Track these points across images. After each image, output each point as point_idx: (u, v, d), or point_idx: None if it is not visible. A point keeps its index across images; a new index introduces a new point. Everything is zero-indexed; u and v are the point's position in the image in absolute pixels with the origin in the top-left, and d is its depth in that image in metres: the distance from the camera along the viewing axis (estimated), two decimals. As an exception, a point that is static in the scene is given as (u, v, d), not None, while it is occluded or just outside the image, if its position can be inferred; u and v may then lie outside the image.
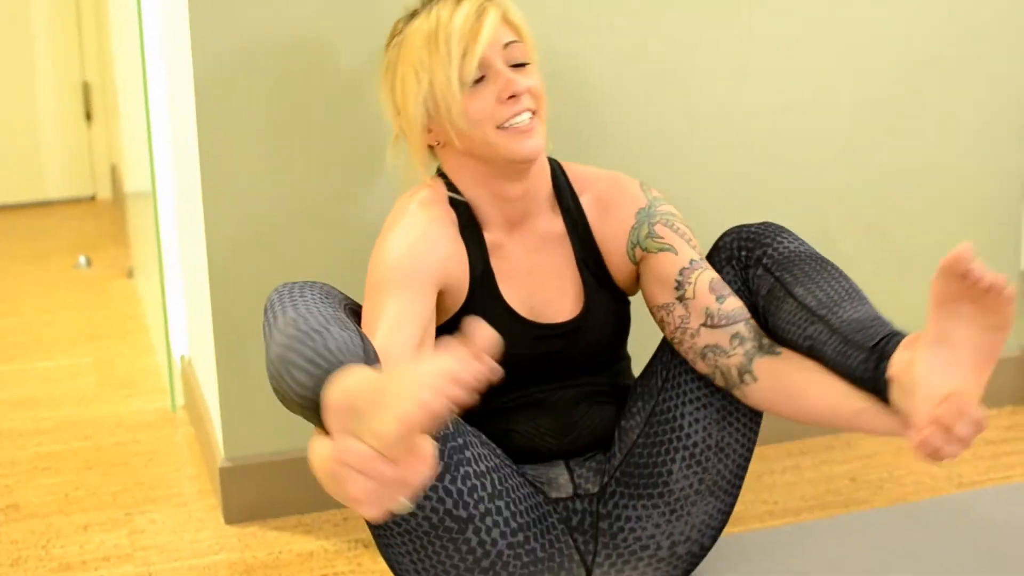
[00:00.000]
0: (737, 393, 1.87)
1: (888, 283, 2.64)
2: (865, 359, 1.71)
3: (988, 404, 2.75)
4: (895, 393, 1.68)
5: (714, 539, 1.94)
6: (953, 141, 2.62)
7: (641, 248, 1.93)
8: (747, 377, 1.84)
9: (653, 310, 1.94)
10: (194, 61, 2.15)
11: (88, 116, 5.11)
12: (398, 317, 1.76)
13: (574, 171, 1.99)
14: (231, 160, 2.20)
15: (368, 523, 1.81)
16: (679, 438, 1.90)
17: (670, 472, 1.90)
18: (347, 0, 2.18)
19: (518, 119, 1.82)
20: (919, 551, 2.14)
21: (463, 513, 1.74)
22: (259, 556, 2.23)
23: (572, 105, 2.33)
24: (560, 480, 1.93)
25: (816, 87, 2.49)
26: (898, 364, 1.66)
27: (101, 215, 4.97)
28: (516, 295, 1.92)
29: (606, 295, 1.96)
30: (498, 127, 1.82)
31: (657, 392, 1.94)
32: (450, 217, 1.90)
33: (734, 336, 1.85)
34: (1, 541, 2.30)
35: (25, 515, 2.40)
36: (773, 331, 1.85)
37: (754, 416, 1.94)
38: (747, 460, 1.95)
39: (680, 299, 1.88)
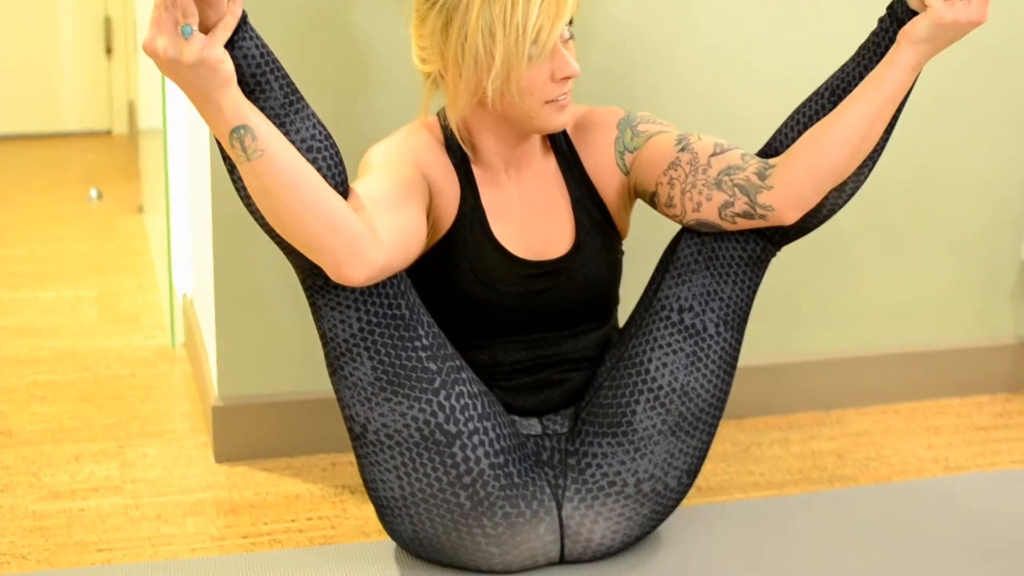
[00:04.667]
0: (765, 199, 1.84)
1: (888, 271, 2.65)
2: (875, 30, 1.87)
3: (981, 391, 2.76)
4: None
5: (679, 480, 1.96)
6: (959, 134, 2.61)
7: (629, 151, 1.98)
8: (768, 171, 1.85)
9: (658, 188, 1.94)
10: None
11: (108, 51, 5.11)
12: (378, 175, 1.84)
13: None
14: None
15: (356, 442, 1.87)
16: (644, 381, 1.94)
17: (634, 412, 1.93)
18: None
19: (563, 97, 1.87)
20: (900, 531, 2.15)
21: (452, 428, 1.83)
22: (246, 496, 2.25)
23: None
24: (530, 421, 1.99)
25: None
26: None
27: (116, 150, 4.98)
28: (510, 233, 1.96)
29: (599, 236, 2.00)
30: (545, 102, 1.86)
31: (629, 339, 1.97)
32: (441, 145, 1.96)
33: (744, 154, 1.89)
34: (-7, 465, 2.34)
35: (18, 441, 2.43)
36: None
37: (726, 365, 1.96)
38: (716, 407, 1.97)
39: (684, 149, 1.91)
